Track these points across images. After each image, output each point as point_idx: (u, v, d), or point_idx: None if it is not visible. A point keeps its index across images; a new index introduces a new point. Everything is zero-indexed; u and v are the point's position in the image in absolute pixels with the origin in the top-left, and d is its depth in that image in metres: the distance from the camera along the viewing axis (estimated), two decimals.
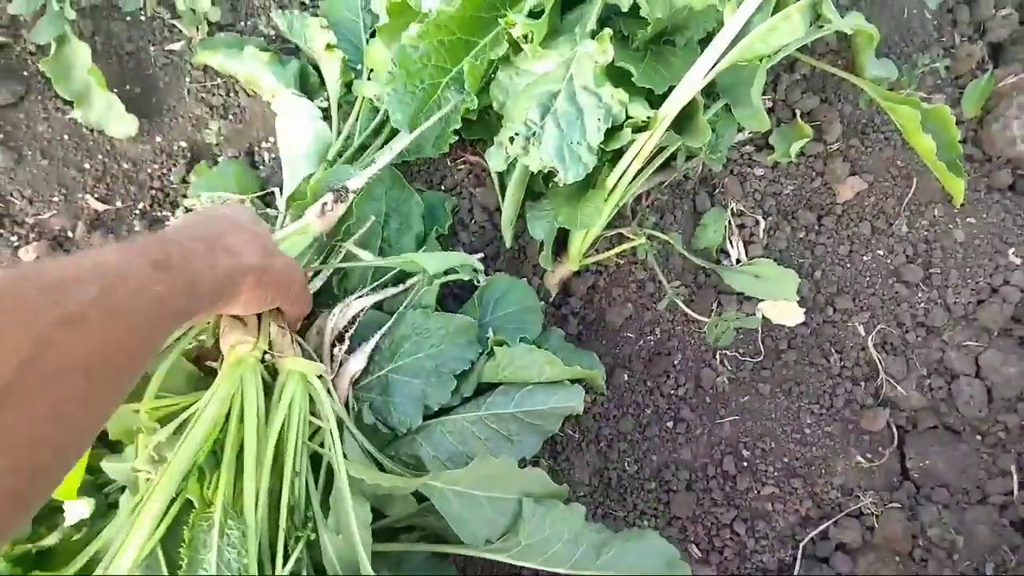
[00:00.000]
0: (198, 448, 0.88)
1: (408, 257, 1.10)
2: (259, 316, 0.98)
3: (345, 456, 0.98)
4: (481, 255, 1.23)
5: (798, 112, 1.36)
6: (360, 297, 1.11)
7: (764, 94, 1.20)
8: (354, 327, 1.09)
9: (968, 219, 1.36)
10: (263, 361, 0.98)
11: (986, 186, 1.38)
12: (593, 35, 1.06)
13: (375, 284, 1.15)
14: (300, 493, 0.96)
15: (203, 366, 1.04)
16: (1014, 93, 1.39)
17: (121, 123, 1.44)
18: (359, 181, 1.09)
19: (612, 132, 1.04)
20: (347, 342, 1.08)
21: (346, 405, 1.06)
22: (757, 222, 1.34)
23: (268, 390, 0.98)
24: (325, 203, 1.08)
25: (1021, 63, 1.41)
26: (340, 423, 1.01)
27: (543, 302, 1.23)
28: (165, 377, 0.94)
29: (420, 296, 1.13)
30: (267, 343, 0.97)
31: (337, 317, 1.09)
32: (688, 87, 1.02)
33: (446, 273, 1.12)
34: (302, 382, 0.99)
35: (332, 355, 1.08)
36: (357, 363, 1.07)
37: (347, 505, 0.93)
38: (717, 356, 1.32)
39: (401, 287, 1.14)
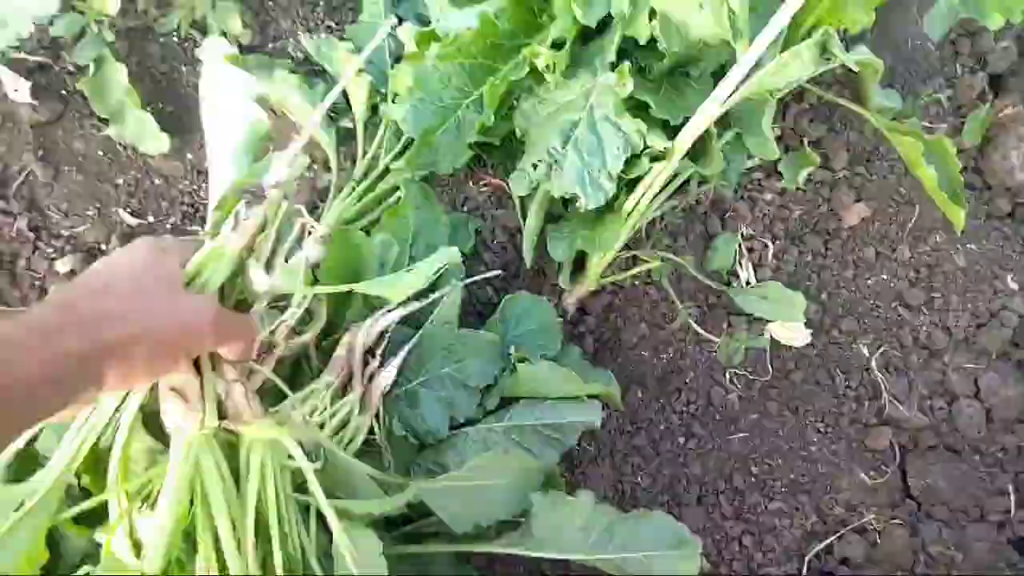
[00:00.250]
0: (168, 542, 0.79)
1: (375, 283, 1.06)
2: (201, 376, 0.83)
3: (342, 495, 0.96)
4: (501, 273, 1.29)
5: (806, 140, 1.42)
6: (388, 312, 1.16)
7: (773, 123, 1.26)
8: (384, 342, 1.14)
9: (968, 245, 1.42)
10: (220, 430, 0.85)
11: (986, 214, 1.44)
12: (613, 67, 1.12)
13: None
14: (295, 551, 0.89)
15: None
16: (1013, 124, 1.45)
17: (154, 140, 1.50)
18: (277, 174, 0.84)
19: (631, 161, 1.09)
20: (377, 357, 1.13)
21: (376, 416, 1.11)
22: (766, 246, 1.40)
23: (234, 451, 0.87)
24: (237, 211, 0.86)
25: (1020, 94, 1.47)
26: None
27: (561, 320, 1.28)
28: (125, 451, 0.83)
29: (443, 312, 1.19)
30: (216, 415, 0.82)
31: (367, 332, 1.14)
32: (703, 119, 1.07)
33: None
34: (269, 448, 0.87)
35: (363, 369, 1.13)
36: (387, 377, 1.12)
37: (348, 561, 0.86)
38: (727, 375, 1.37)
39: (426, 301, 1.19)
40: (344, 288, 1.09)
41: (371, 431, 1.10)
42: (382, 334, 1.15)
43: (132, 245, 0.80)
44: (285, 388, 0.96)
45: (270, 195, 0.82)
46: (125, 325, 0.69)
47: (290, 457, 0.87)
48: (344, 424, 1.09)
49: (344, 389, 1.12)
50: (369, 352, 1.14)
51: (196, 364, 0.82)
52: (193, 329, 0.76)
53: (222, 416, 0.83)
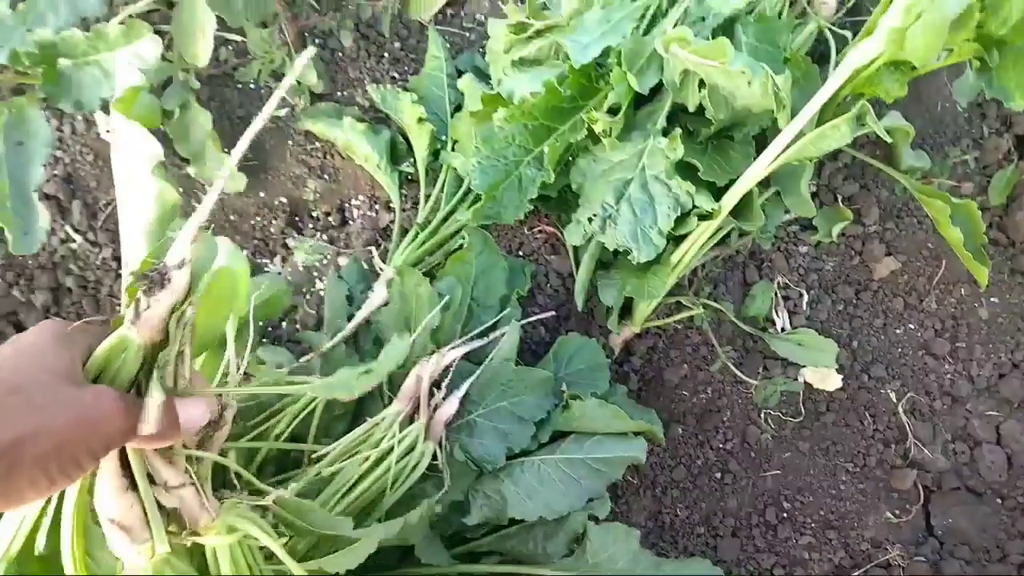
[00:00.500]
0: None
1: (323, 387, 0.98)
2: (137, 494, 0.74)
3: None
4: (554, 314, 1.39)
5: (840, 197, 1.51)
6: (453, 349, 1.27)
7: (809, 181, 1.36)
8: (448, 375, 1.25)
9: (992, 299, 1.50)
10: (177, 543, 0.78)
11: (1009, 269, 1.52)
12: (664, 132, 1.22)
13: (464, 338, 1.30)
14: None
15: None
16: None
17: (231, 180, 1.62)
18: (180, 251, 0.70)
19: (680, 219, 1.19)
20: (442, 389, 1.23)
21: (439, 444, 1.21)
22: (801, 295, 1.49)
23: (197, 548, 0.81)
24: (138, 299, 0.71)
25: None
26: None
27: (608, 360, 1.38)
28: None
29: (502, 350, 1.29)
30: (165, 537, 0.74)
31: (433, 366, 1.24)
32: (747, 182, 1.17)
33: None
34: (239, 547, 0.82)
35: (429, 400, 1.23)
36: (450, 407, 1.22)
37: None
38: (762, 415, 1.46)
39: (487, 339, 1.29)
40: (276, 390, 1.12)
41: (434, 457, 1.20)
42: (447, 368, 1.26)
43: (36, 327, 0.71)
44: (241, 471, 0.88)
45: (175, 278, 0.70)
46: (10, 426, 0.59)
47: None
48: (411, 449, 1.19)
49: (411, 418, 1.22)
50: (435, 384, 1.24)
51: (132, 481, 0.73)
52: (95, 424, 0.65)
53: (178, 525, 0.77)
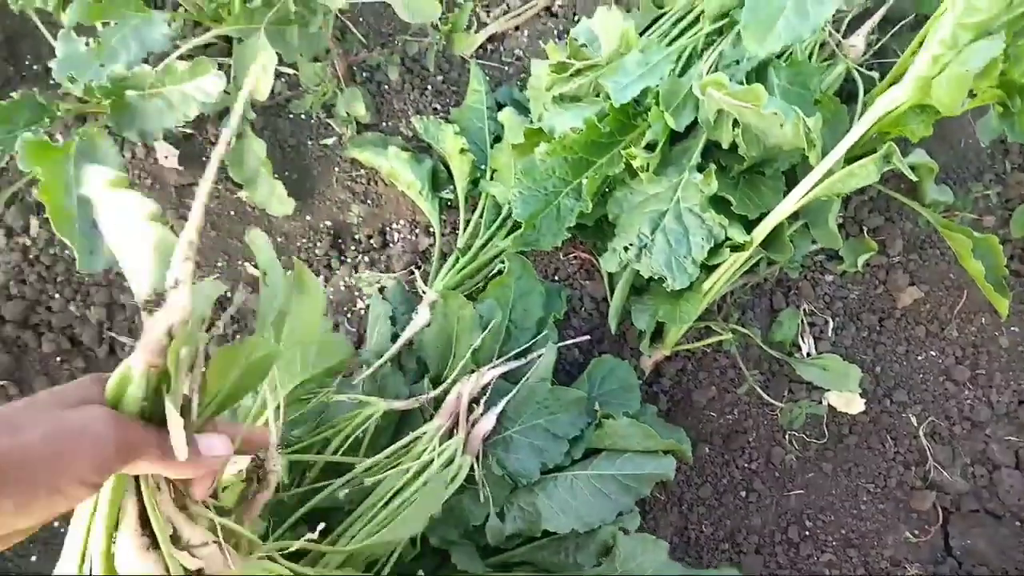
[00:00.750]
0: None
1: None
2: (159, 553, 0.73)
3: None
4: (588, 337, 1.46)
5: (865, 229, 1.57)
6: (492, 368, 1.34)
7: (836, 214, 1.42)
8: (486, 393, 1.32)
9: (1012, 328, 1.55)
10: None
11: None
12: (699, 167, 1.29)
13: (502, 358, 1.37)
14: None
15: None
16: None
17: (281, 204, 1.70)
18: (176, 271, 0.67)
19: (713, 250, 1.26)
20: (481, 406, 1.30)
21: (477, 458, 1.28)
22: (826, 321, 1.55)
23: None
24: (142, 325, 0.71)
25: None
26: None
27: (639, 381, 1.44)
28: None
29: (538, 370, 1.36)
30: None
31: (472, 384, 1.31)
32: (778, 216, 1.24)
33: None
34: None
35: (468, 416, 1.30)
36: (488, 424, 1.29)
37: None
38: (787, 436, 1.52)
39: (524, 360, 1.36)
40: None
41: (472, 470, 1.27)
42: (485, 387, 1.33)
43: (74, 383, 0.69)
44: (254, 539, 0.84)
45: (171, 298, 0.67)
46: None
47: None
48: (449, 462, 1.26)
49: (451, 432, 1.29)
50: (474, 401, 1.31)
51: (153, 539, 0.71)
52: (83, 442, 0.60)
53: None
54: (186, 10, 1.64)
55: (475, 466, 1.27)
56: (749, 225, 1.28)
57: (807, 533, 1.49)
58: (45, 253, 1.64)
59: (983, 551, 1.44)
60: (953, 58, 1.03)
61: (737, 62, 1.35)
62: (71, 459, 0.59)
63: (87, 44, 1.49)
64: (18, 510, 0.58)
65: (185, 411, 0.70)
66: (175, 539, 0.73)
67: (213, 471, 0.73)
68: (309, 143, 1.78)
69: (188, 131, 1.74)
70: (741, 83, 1.30)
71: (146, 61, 1.52)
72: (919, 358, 1.55)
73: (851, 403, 1.49)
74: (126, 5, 1.56)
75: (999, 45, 0.98)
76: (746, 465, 1.51)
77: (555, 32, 1.88)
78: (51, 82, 1.75)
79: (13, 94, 1.49)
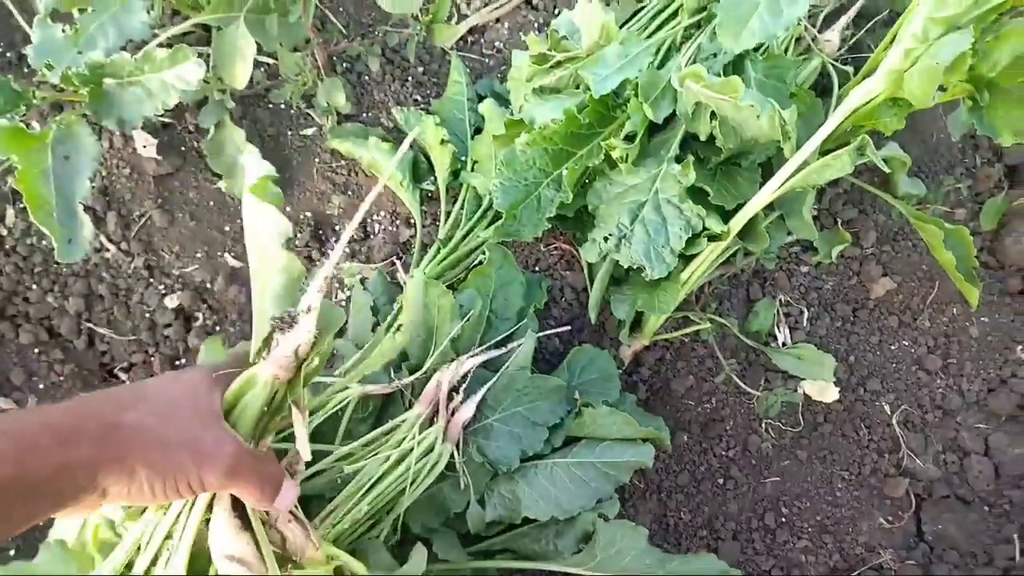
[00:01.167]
0: None
1: None
2: (252, 532, 0.82)
3: None
4: (568, 327, 1.48)
5: (839, 220, 1.60)
6: (472, 356, 1.34)
7: (811, 206, 1.44)
8: (466, 382, 1.32)
9: (982, 318, 1.59)
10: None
11: (999, 291, 1.61)
12: (677, 159, 1.31)
13: (483, 347, 1.39)
14: None
15: None
16: None
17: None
18: (309, 299, 0.80)
19: (690, 240, 1.28)
20: (460, 394, 1.31)
21: (457, 446, 1.29)
22: (801, 312, 1.58)
23: None
24: (270, 339, 0.82)
25: None
26: None
27: (618, 370, 1.46)
28: None
29: (518, 359, 1.37)
30: (277, 567, 0.83)
31: (452, 372, 1.32)
32: (754, 206, 1.26)
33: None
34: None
35: (448, 404, 1.30)
36: (468, 411, 1.29)
37: None
38: (763, 425, 1.55)
39: (504, 349, 1.37)
40: None
41: (452, 458, 1.28)
42: (465, 375, 1.34)
43: (187, 372, 0.81)
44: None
45: (302, 321, 0.78)
46: (134, 445, 0.69)
47: None
48: (430, 450, 1.27)
49: (431, 420, 1.30)
50: (454, 389, 1.32)
51: (244, 521, 0.81)
52: (207, 465, 0.73)
53: (285, 559, 0.85)
54: (169, 2, 1.63)
55: (455, 454, 1.28)
56: (726, 215, 1.30)
57: (783, 519, 1.51)
58: (22, 243, 1.63)
59: (953, 536, 1.47)
60: (924, 52, 1.06)
61: (715, 55, 1.36)
62: (203, 478, 0.73)
63: (64, 31, 1.47)
64: (154, 494, 0.71)
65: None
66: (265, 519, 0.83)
67: (281, 509, 0.83)
68: (289, 133, 1.78)
69: (167, 120, 1.73)
70: (719, 76, 1.32)
71: (124, 49, 1.51)
72: (892, 348, 1.58)
73: (826, 392, 1.51)
74: None
75: (968, 39, 1.00)
76: (723, 453, 1.54)
77: (535, 24, 1.88)
78: (26, 70, 1.74)
79: None
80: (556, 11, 1.89)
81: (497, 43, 1.88)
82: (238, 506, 0.81)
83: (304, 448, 0.82)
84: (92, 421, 0.69)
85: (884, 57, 1.16)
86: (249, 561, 0.79)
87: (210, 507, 0.82)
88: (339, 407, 1.24)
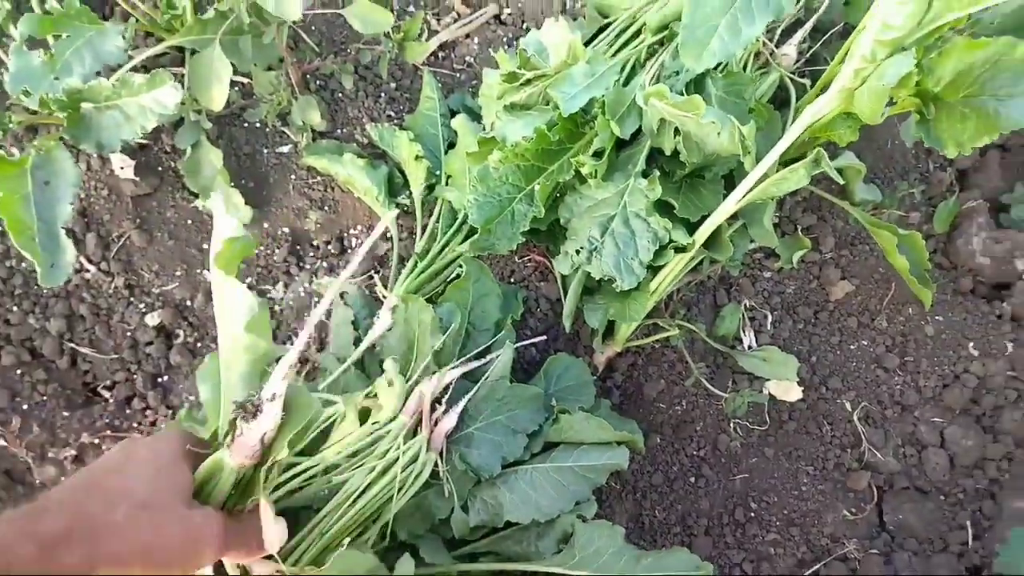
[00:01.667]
0: None
1: None
2: None
3: None
4: (544, 337, 1.53)
5: (799, 227, 1.67)
6: (453, 368, 1.39)
7: (772, 215, 1.50)
8: (448, 393, 1.37)
9: (937, 317, 1.67)
10: None
11: (952, 290, 1.69)
12: (644, 174, 1.37)
13: (463, 358, 1.43)
14: None
15: None
16: (975, 214, 1.70)
17: (237, 212, 1.74)
18: (273, 387, 0.80)
19: (658, 251, 1.34)
20: (443, 405, 1.35)
21: (441, 454, 1.34)
22: (765, 315, 1.64)
23: None
24: (234, 425, 0.83)
25: (981, 189, 1.73)
26: None
27: (593, 377, 1.52)
28: None
29: (497, 369, 1.42)
30: None
31: (435, 384, 1.37)
32: (718, 218, 1.32)
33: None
34: None
35: (431, 415, 1.35)
36: (450, 422, 1.34)
37: None
38: (731, 424, 1.61)
39: (483, 360, 1.42)
40: None
41: (436, 466, 1.32)
42: (447, 386, 1.38)
43: (154, 439, 0.82)
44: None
45: (266, 409, 0.78)
46: (126, 542, 0.69)
47: None
48: (414, 459, 1.31)
49: (414, 431, 1.35)
50: (436, 400, 1.37)
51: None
52: (197, 546, 0.75)
53: None
54: (138, 20, 1.66)
55: (439, 463, 1.32)
56: (691, 227, 1.36)
57: (752, 514, 1.58)
58: (1, 266, 1.64)
59: (913, 525, 1.55)
60: (872, 72, 1.12)
61: (677, 73, 1.42)
62: (186, 559, 0.74)
63: (40, 57, 1.50)
64: None
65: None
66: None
67: (273, 550, 0.88)
68: (265, 151, 1.81)
69: (143, 141, 1.75)
70: (681, 93, 1.38)
71: (99, 73, 1.54)
72: (851, 347, 1.66)
73: (789, 391, 1.58)
74: (78, 17, 1.57)
75: (910, 61, 1.07)
76: (694, 452, 1.60)
77: (504, 39, 1.93)
78: None
79: None
80: (524, 26, 1.94)
81: (468, 58, 1.93)
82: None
83: (272, 537, 0.85)
84: (77, 520, 0.68)
85: (837, 73, 1.23)
86: None
87: None
88: (327, 423, 1.28)
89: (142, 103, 1.50)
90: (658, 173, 1.33)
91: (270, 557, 0.91)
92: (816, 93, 1.47)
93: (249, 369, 0.89)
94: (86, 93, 1.48)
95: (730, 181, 1.43)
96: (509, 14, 1.97)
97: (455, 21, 1.96)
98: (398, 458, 1.28)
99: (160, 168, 1.77)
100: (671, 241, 1.33)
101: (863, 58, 1.13)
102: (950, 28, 1.17)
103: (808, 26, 1.63)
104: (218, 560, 0.83)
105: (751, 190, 1.29)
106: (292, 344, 0.82)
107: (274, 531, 0.85)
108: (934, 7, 1.09)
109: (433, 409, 1.34)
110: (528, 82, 1.53)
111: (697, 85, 1.39)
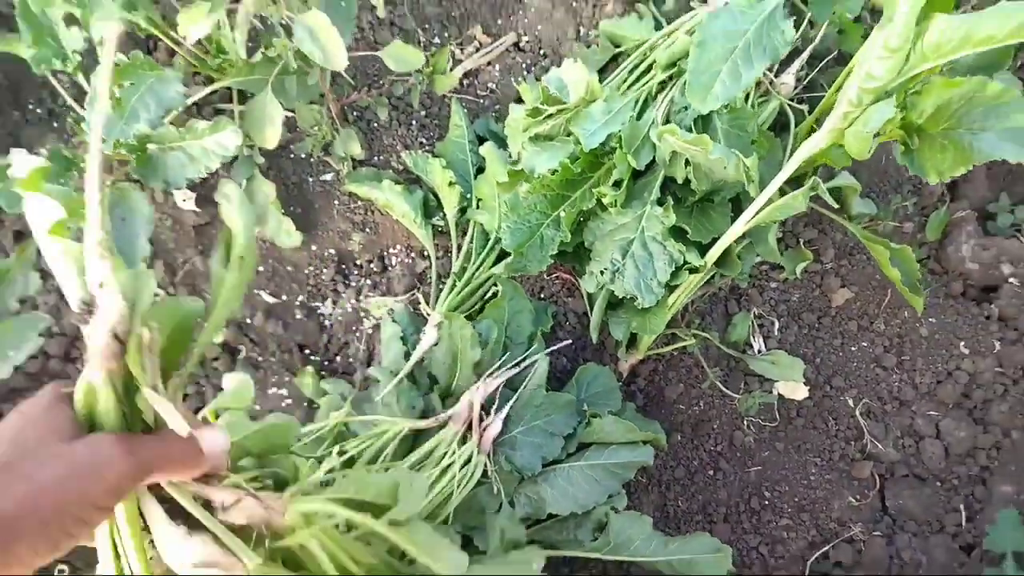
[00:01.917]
0: None
1: None
2: (203, 530, 0.71)
3: None
4: (573, 347, 1.69)
5: (801, 240, 1.81)
6: (496, 377, 1.54)
7: (775, 232, 1.65)
8: (495, 401, 1.52)
9: (930, 319, 1.81)
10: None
11: (944, 294, 1.83)
12: (659, 201, 1.52)
13: (503, 369, 1.58)
14: None
15: None
16: (964, 223, 1.84)
17: (288, 237, 1.88)
18: (93, 273, 0.67)
19: (674, 272, 1.49)
20: (491, 413, 1.51)
21: (489, 456, 1.50)
22: (773, 322, 1.80)
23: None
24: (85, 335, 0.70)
25: (969, 200, 1.87)
26: None
27: (618, 383, 1.68)
28: None
29: (534, 378, 1.58)
30: (251, 552, 0.71)
31: (482, 392, 1.51)
32: (727, 239, 1.47)
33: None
34: (324, 534, 0.76)
35: (480, 421, 1.50)
36: (497, 427, 1.49)
37: None
38: (745, 422, 1.76)
39: (520, 369, 1.57)
40: None
41: (485, 467, 1.49)
42: (491, 395, 1.54)
43: (36, 396, 0.69)
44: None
45: (101, 300, 0.65)
46: (6, 500, 0.57)
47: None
48: (468, 461, 1.47)
49: (464, 437, 1.51)
50: (484, 408, 1.53)
51: (189, 523, 0.71)
52: (95, 473, 0.62)
53: (262, 536, 0.76)
54: (189, 62, 1.82)
55: (488, 463, 1.48)
56: (703, 248, 1.52)
57: (766, 502, 1.73)
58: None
59: (912, 509, 1.70)
60: (858, 116, 1.27)
61: (685, 108, 1.57)
62: (89, 495, 0.60)
63: (111, 105, 1.66)
64: (44, 553, 0.58)
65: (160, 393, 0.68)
66: (211, 508, 0.73)
67: (220, 464, 0.71)
68: (310, 180, 1.97)
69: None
70: (690, 128, 1.54)
71: (163, 118, 1.70)
72: (852, 349, 1.81)
73: (797, 390, 1.73)
74: (141, 67, 1.74)
75: (890, 110, 1.21)
76: (712, 448, 1.76)
77: (523, 66, 2.08)
78: (54, 125, 1.93)
79: (42, 150, 1.67)
80: (541, 52, 2.09)
81: (490, 84, 2.08)
82: (175, 513, 0.71)
83: (180, 427, 0.68)
84: None
85: (831, 105, 1.37)
86: (216, 560, 0.69)
87: (145, 529, 0.72)
88: (391, 442, 1.44)
89: (205, 145, 1.66)
90: (671, 201, 1.49)
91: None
92: (813, 122, 1.62)
93: (79, 277, 0.73)
94: (155, 138, 1.64)
95: (737, 204, 1.58)
96: (527, 42, 2.11)
97: (477, 50, 2.11)
98: (454, 462, 1.44)
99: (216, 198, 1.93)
100: (686, 263, 1.49)
101: (850, 103, 1.28)
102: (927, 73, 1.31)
103: (804, 56, 1.77)
104: (153, 483, 0.68)
105: (756, 215, 1.45)
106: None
107: (211, 439, 0.69)
108: (911, 60, 1.23)
109: (481, 417, 1.50)
110: (550, 116, 1.68)
111: (704, 119, 1.54)
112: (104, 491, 0.62)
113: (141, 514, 0.71)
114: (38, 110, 1.97)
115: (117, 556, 0.71)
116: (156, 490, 0.72)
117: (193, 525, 0.71)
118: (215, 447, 0.71)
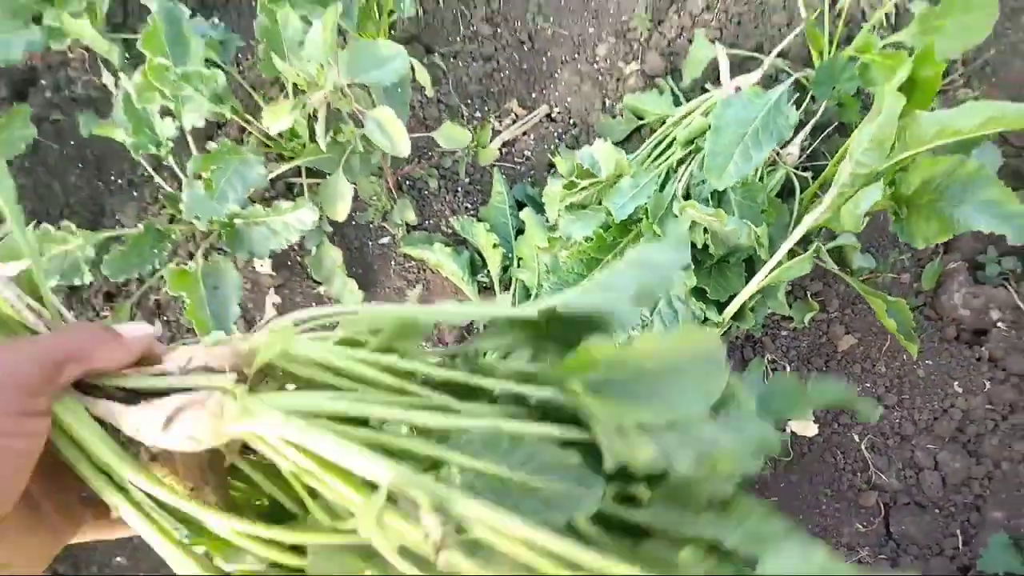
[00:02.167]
0: None
1: None
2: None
3: None
4: None
5: (808, 292, 2.03)
6: None
7: (784, 289, 1.87)
8: None
9: (927, 361, 2.02)
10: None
11: (939, 338, 2.03)
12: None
13: None
14: None
15: None
16: (956, 273, 2.05)
17: (352, 295, 2.15)
18: None
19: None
20: None
21: None
22: (784, 367, 2.01)
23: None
24: None
25: (960, 251, 2.08)
26: None
27: None
28: None
29: None
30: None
31: None
32: (742, 298, 1.70)
33: None
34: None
35: None
36: None
37: None
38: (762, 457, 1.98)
39: None
40: None
41: None
42: None
43: None
44: None
45: None
46: None
47: None
48: None
49: None
50: None
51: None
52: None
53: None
54: (262, 141, 2.08)
55: None
56: (721, 306, 1.74)
57: None
58: None
59: (914, 534, 1.90)
60: (851, 196, 1.50)
61: (703, 182, 1.81)
62: (15, 385, 0.49)
63: (201, 187, 1.92)
64: None
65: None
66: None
67: (150, 350, 0.59)
68: (370, 244, 2.22)
69: None
70: (707, 200, 1.77)
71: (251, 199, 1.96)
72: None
73: (808, 428, 1.94)
74: (228, 153, 2.00)
75: (878, 193, 1.44)
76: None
77: (555, 134, 2.32)
78: (134, 194, 2.19)
79: (140, 224, 1.93)
80: (571, 121, 2.34)
81: (526, 152, 2.33)
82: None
83: (131, 332, 0.59)
84: None
85: (834, 174, 1.58)
86: (193, 399, 0.52)
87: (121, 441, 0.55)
88: None
89: (286, 221, 1.92)
90: (692, 264, 1.72)
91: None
92: (816, 188, 1.85)
93: None
94: (242, 215, 1.90)
95: (750, 264, 1.80)
96: (558, 112, 2.37)
97: (514, 122, 2.37)
98: None
99: (290, 263, 2.19)
100: (706, 318, 1.72)
101: (843, 184, 1.51)
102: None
103: (808, 128, 2.00)
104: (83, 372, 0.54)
105: (767, 276, 1.67)
106: None
107: (131, 327, 0.60)
108: (896, 148, 1.46)
109: None
110: (584, 188, 1.93)
111: (720, 193, 1.78)
112: (16, 397, 0.49)
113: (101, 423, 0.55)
114: (119, 180, 2.24)
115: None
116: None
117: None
118: (136, 332, 0.59)
